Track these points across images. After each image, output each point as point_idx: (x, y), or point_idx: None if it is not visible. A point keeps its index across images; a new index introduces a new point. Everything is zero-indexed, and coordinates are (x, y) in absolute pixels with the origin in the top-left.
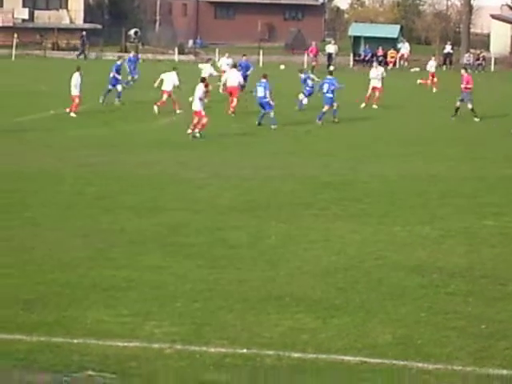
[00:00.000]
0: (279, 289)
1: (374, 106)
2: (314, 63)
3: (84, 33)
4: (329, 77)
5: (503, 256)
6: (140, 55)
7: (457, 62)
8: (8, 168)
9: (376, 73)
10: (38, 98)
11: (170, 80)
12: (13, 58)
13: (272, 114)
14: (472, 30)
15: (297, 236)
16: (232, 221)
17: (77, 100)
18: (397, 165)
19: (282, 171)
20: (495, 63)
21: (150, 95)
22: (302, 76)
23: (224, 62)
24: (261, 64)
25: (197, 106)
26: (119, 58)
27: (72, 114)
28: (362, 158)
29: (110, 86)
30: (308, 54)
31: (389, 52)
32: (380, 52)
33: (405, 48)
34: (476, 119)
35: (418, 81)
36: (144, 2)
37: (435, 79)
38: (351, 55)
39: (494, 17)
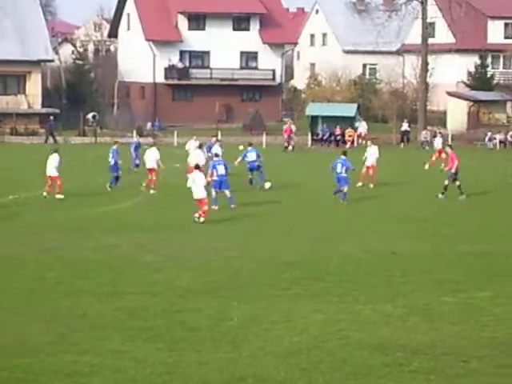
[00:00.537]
0: (242, 370)
1: (371, 185)
2: (286, 143)
3: (51, 117)
4: (342, 157)
5: (464, 333)
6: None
7: (414, 140)
8: None
9: (371, 151)
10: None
11: (152, 157)
12: None
13: (229, 193)
14: (428, 108)
15: (259, 316)
16: (191, 303)
17: (59, 181)
18: (358, 242)
19: (242, 252)
20: (452, 140)
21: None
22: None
23: (192, 144)
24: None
25: (200, 193)
26: (115, 142)
27: (59, 196)
28: (323, 237)
29: (115, 173)
30: (283, 134)
31: (346, 131)
32: (338, 131)
33: (362, 126)
34: (461, 197)
35: (426, 166)
36: (102, 86)
37: (443, 155)
38: (309, 135)
39: (449, 94)
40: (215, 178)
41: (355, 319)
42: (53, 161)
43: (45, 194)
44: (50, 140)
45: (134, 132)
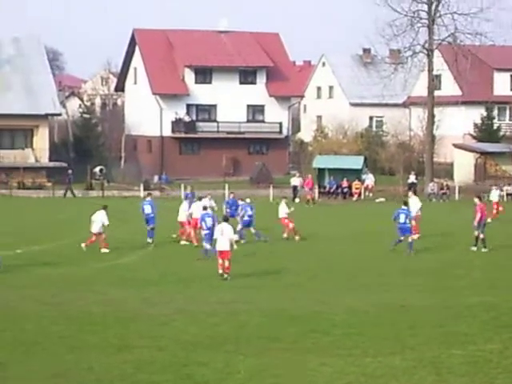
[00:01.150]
0: None
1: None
2: (308, 196)
3: (70, 171)
4: (404, 207)
5: None
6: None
7: (421, 192)
8: None
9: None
10: (2, 237)
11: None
12: None
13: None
14: (435, 160)
15: (266, 370)
16: (198, 356)
17: (103, 236)
18: (365, 295)
19: (248, 305)
20: (459, 192)
21: (112, 231)
22: (241, 203)
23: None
24: (226, 198)
25: (226, 246)
26: (149, 194)
27: (104, 250)
28: (330, 290)
29: (152, 225)
30: (303, 187)
31: (353, 183)
32: (345, 183)
33: (369, 179)
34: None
35: (489, 219)
36: (109, 140)
37: (500, 208)
38: (316, 187)
39: (456, 146)
40: (206, 230)
41: (363, 372)
42: (99, 217)
43: (83, 245)
44: (69, 194)
45: (141, 186)
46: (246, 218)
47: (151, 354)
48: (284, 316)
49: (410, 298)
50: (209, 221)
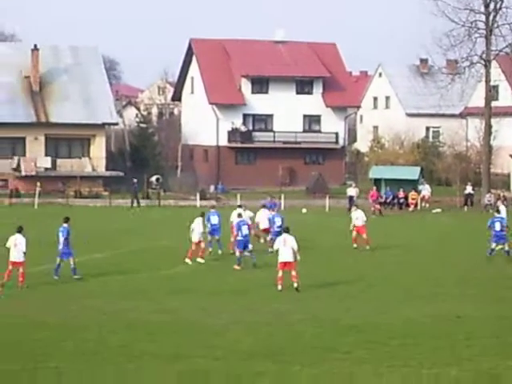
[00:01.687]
0: None
1: (367, 247)
2: (372, 208)
3: (135, 180)
4: (497, 215)
5: None
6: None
7: (478, 203)
8: (32, 318)
9: (356, 215)
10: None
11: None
12: (35, 206)
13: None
14: (492, 170)
15: (322, 380)
16: (254, 367)
17: (202, 245)
18: (421, 306)
19: (303, 315)
20: (501, 199)
21: (169, 241)
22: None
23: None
24: (283, 208)
25: (290, 256)
26: (213, 206)
27: (199, 260)
28: (385, 300)
29: (217, 236)
30: (368, 198)
31: (410, 194)
32: (401, 194)
33: (425, 189)
34: None
35: None
36: (165, 149)
37: None
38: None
39: None
40: (240, 238)
41: (419, 383)
42: (197, 226)
43: (187, 260)
44: (135, 203)
45: (198, 195)
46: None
47: (207, 364)
48: (339, 326)
49: (466, 309)
50: (244, 229)
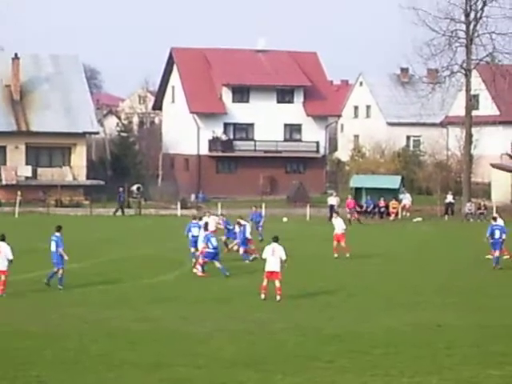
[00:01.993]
0: None
1: (347, 255)
2: (349, 216)
3: (121, 189)
4: (494, 222)
5: None
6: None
7: (458, 212)
8: (14, 326)
9: (336, 223)
10: (41, 255)
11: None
12: (16, 215)
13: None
14: (473, 179)
15: None
16: (236, 375)
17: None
18: (402, 314)
19: (285, 324)
20: (497, 212)
21: (150, 250)
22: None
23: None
24: (263, 217)
25: (276, 266)
26: (196, 218)
27: (195, 270)
28: (366, 309)
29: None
30: (346, 208)
31: (391, 203)
32: (382, 203)
33: (406, 198)
34: None
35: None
36: (146, 158)
37: None
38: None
39: (494, 166)
40: (211, 250)
41: None
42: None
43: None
44: (119, 212)
45: (179, 204)
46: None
47: (189, 372)
48: (322, 335)
49: (447, 318)
50: (214, 240)
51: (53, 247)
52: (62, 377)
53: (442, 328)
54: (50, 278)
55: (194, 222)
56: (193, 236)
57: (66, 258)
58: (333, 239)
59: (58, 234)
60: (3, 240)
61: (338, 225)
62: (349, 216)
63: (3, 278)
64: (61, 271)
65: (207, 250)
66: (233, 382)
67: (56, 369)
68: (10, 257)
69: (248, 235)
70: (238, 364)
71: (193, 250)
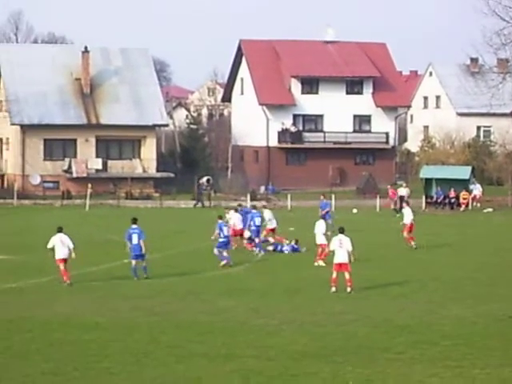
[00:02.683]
0: None
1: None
2: (392, 205)
3: (202, 181)
4: None
5: None
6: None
7: None
8: (83, 318)
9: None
10: (111, 247)
11: None
12: (87, 207)
13: None
14: None
15: (374, 381)
16: (306, 367)
17: (327, 249)
18: (473, 306)
19: (355, 315)
20: None
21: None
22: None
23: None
24: (333, 208)
25: (345, 257)
26: (254, 207)
27: (320, 263)
28: (437, 300)
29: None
30: (390, 197)
31: (461, 193)
32: (452, 194)
33: (477, 189)
34: None
35: None
36: (215, 150)
37: None
38: (423, 197)
39: None
40: (223, 239)
41: None
42: (320, 227)
43: (316, 263)
44: (199, 204)
45: (248, 196)
46: (253, 227)
47: (259, 364)
48: (392, 326)
49: None
50: (226, 230)
51: (135, 240)
52: (132, 368)
53: None
54: (135, 272)
55: (255, 211)
56: (256, 226)
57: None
58: (403, 229)
59: (135, 226)
60: (61, 231)
61: (407, 215)
62: (392, 206)
63: (62, 266)
64: (144, 263)
65: (219, 239)
66: (304, 373)
67: (126, 361)
68: (72, 245)
69: (259, 223)
70: (308, 356)
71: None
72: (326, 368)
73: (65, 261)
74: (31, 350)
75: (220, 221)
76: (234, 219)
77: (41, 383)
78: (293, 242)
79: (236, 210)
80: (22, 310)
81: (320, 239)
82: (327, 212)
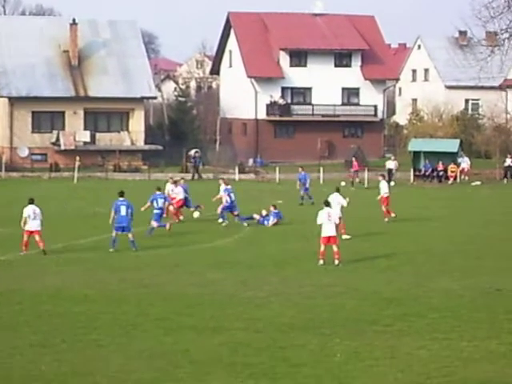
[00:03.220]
0: None
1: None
2: (351, 179)
3: (197, 153)
4: None
5: None
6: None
7: None
8: (72, 290)
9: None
10: (99, 219)
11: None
12: (75, 180)
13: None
14: None
15: (362, 353)
16: (294, 339)
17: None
18: (460, 279)
19: (343, 288)
20: None
21: (208, 214)
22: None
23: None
24: (321, 181)
25: (333, 230)
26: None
27: (345, 236)
28: (425, 272)
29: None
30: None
31: (449, 166)
32: (440, 167)
33: (465, 162)
34: None
35: None
36: (204, 123)
37: None
38: (411, 170)
39: None
40: (157, 210)
41: (459, 356)
42: (336, 199)
43: (344, 237)
44: (195, 176)
45: (237, 168)
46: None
47: (247, 337)
48: (379, 299)
49: (507, 283)
50: (160, 201)
51: (123, 211)
52: (120, 340)
53: (502, 292)
54: (113, 243)
55: (159, 193)
56: (157, 208)
57: (142, 209)
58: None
59: (122, 198)
60: (32, 203)
61: (383, 188)
62: (351, 178)
63: (38, 237)
64: (130, 235)
65: (154, 210)
66: (292, 345)
67: (115, 333)
68: (41, 217)
69: (234, 198)
70: (296, 328)
71: (155, 224)
72: (313, 340)
73: (35, 232)
74: (20, 322)
75: (158, 192)
76: (177, 191)
77: (29, 355)
78: (272, 209)
79: (174, 183)
80: (11, 283)
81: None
82: (304, 184)
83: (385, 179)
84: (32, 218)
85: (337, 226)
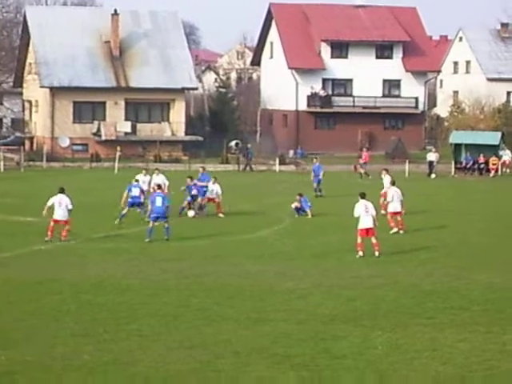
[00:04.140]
0: None
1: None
2: (362, 170)
3: (249, 145)
4: None
5: None
6: None
7: None
8: (114, 280)
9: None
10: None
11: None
12: (115, 170)
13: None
14: None
15: (403, 345)
16: (335, 331)
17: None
18: (503, 272)
19: (384, 280)
20: None
21: (249, 206)
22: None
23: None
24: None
25: (371, 222)
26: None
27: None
28: (465, 265)
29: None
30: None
31: (490, 159)
32: (481, 159)
33: (506, 155)
34: None
35: None
36: (244, 114)
37: None
38: (452, 163)
39: None
40: (130, 199)
41: (502, 349)
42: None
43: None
44: (247, 168)
45: (277, 160)
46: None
47: (288, 328)
48: (421, 291)
49: None
50: (135, 191)
51: (158, 202)
52: (161, 330)
53: None
54: (150, 234)
55: (136, 183)
56: (133, 197)
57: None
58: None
59: (159, 191)
60: (62, 192)
61: (385, 182)
62: (361, 169)
63: (67, 227)
64: (166, 224)
65: (129, 199)
66: (333, 337)
67: (156, 323)
68: (70, 206)
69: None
70: (337, 319)
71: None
72: (355, 332)
73: (61, 221)
74: (61, 311)
75: (135, 182)
76: (158, 180)
77: (71, 345)
78: (298, 197)
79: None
80: (51, 272)
81: (397, 207)
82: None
83: (388, 173)
84: (57, 206)
85: (374, 219)
